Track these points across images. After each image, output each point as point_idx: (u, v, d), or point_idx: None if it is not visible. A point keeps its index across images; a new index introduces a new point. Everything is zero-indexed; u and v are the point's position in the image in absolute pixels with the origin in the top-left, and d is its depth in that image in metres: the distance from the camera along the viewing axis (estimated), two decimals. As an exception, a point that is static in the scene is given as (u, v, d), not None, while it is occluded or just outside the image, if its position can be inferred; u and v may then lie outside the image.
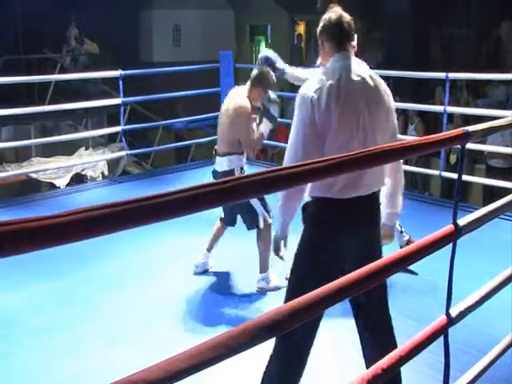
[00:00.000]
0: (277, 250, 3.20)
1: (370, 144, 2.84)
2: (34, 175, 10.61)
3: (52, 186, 10.85)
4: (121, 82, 7.86)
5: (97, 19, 14.37)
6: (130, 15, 16.87)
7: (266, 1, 17.84)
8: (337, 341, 3.99)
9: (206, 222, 5.17)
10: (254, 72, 4.85)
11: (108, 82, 12.69)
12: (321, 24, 3.06)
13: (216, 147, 4.91)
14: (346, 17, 3.04)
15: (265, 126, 4.81)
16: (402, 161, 3.19)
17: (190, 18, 17.82)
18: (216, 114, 8.86)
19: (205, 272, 5.10)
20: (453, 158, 9.88)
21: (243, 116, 4.70)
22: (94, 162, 11.01)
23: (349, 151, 2.65)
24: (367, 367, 2.81)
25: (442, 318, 2.56)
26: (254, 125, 4.87)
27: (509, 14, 14.79)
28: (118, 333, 4.13)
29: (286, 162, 2.93)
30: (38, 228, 1.13)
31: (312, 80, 2.97)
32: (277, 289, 4.68)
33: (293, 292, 2.92)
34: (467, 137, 2.46)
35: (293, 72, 4.67)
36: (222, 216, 5.06)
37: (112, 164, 11.98)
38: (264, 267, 4.78)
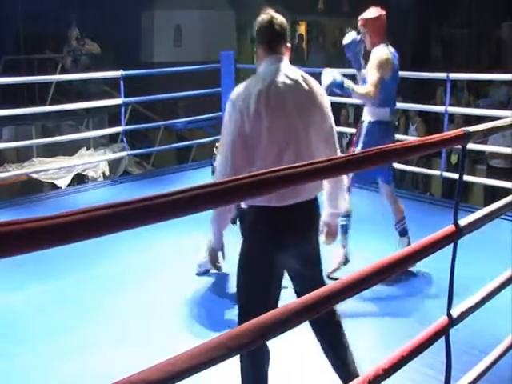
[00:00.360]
0: (214, 261, 3.18)
1: (303, 148, 2.82)
2: (35, 175, 10.60)
3: (53, 187, 10.84)
4: (122, 83, 7.86)
5: (98, 19, 14.35)
6: (131, 15, 16.84)
7: (267, 1, 17.83)
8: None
9: (207, 223, 5.16)
10: None
11: (109, 82, 12.68)
12: (254, 28, 3.05)
13: (217, 144, 4.93)
14: (278, 18, 3.01)
15: None
16: None
17: (191, 19, 17.80)
18: (217, 114, 8.91)
19: (207, 272, 5.09)
20: (454, 159, 9.88)
21: None
22: (96, 162, 11.00)
23: (282, 157, 2.75)
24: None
25: (443, 319, 2.56)
26: None
27: (510, 15, 14.79)
28: (118, 333, 4.13)
29: (217, 165, 2.94)
30: (38, 228, 1.13)
31: (242, 85, 2.93)
32: None
33: (241, 301, 2.97)
34: (468, 137, 2.46)
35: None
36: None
37: (113, 164, 11.97)
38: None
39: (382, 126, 4.77)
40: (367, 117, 4.85)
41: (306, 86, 2.92)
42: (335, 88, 4.62)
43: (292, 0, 17.02)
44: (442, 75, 7.21)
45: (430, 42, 17.14)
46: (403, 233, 5.00)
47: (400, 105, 9.51)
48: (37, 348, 3.93)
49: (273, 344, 2.83)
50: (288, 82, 2.88)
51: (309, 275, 3.02)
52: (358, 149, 4.73)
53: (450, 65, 13.68)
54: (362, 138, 4.82)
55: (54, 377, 3.64)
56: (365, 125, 4.84)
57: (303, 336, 3.08)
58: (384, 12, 4.86)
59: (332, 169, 1.88)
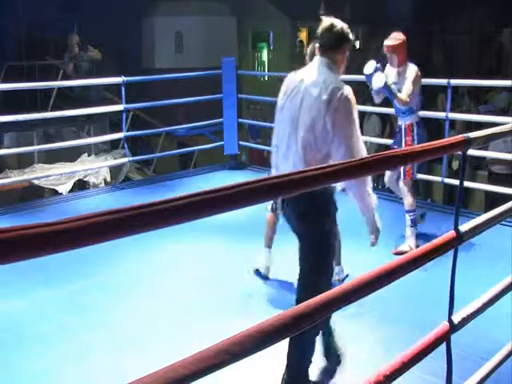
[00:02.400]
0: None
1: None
2: (36, 181, 10.61)
3: (54, 193, 10.85)
4: (123, 89, 7.87)
5: (99, 26, 14.39)
6: (132, 22, 16.89)
7: (268, 7, 17.87)
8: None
9: (212, 229, 5.19)
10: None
11: (110, 88, 12.70)
12: None
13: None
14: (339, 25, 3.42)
15: None
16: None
17: (192, 25, 17.82)
18: (219, 120, 8.93)
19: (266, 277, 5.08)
20: (455, 164, 9.86)
21: None
22: (97, 168, 11.01)
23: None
24: None
25: (444, 325, 2.56)
26: None
27: (511, 21, 14.79)
28: (121, 340, 4.13)
29: None
30: (39, 235, 1.13)
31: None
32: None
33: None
34: (468, 143, 2.47)
35: None
36: (271, 206, 4.84)
37: (114, 170, 11.98)
38: (340, 259, 5.07)
39: (420, 125, 5.83)
40: (413, 120, 5.80)
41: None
42: (386, 91, 5.50)
43: (293, 6, 17.06)
44: (442, 81, 7.21)
45: (431, 49, 17.15)
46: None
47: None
48: (39, 354, 3.92)
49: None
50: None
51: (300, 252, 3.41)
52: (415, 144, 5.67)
53: (451, 71, 13.70)
54: (415, 136, 5.77)
55: (58, 383, 3.64)
56: (414, 128, 5.80)
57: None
58: (405, 37, 5.72)
59: (339, 173, 1.89)
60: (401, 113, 5.85)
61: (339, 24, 3.32)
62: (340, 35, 3.30)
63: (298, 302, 3.17)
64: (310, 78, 3.28)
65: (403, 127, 5.86)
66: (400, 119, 5.90)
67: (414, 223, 5.69)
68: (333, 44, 3.30)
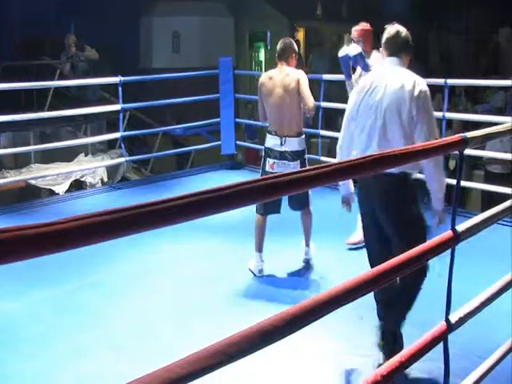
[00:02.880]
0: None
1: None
2: (33, 182, 10.57)
3: (51, 193, 10.82)
4: (120, 89, 7.86)
5: (96, 26, 14.37)
6: (129, 22, 16.87)
7: (265, 7, 17.86)
8: (336, 346, 3.99)
9: (209, 229, 5.17)
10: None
11: (107, 88, 12.67)
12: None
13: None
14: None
15: None
16: None
17: (189, 25, 17.82)
18: (215, 120, 8.92)
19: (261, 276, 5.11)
20: (452, 164, 9.86)
21: None
22: (94, 168, 10.99)
23: None
24: None
25: (441, 325, 2.56)
26: None
27: (507, 20, 14.81)
28: (117, 340, 4.12)
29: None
30: (35, 235, 1.13)
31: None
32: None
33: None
34: (465, 143, 2.47)
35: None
36: (258, 209, 5.05)
37: (111, 170, 11.95)
38: (309, 241, 5.21)
39: None
40: None
41: None
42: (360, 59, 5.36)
43: (290, 6, 17.05)
44: (439, 81, 7.22)
45: (427, 48, 17.16)
46: None
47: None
48: (35, 355, 3.91)
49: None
50: None
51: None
52: None
53: (448, 71, 13.70)
54: None
55: None
56: None
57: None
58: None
59: (336, 173, 1.89)
60: None
61: (403, 30, 3.83)
62: (407, 39, 3.81)
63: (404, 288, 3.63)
64: (387, 74, 3.68)
65: None
66: None
67: None
68: (401, 47, 3.78)
